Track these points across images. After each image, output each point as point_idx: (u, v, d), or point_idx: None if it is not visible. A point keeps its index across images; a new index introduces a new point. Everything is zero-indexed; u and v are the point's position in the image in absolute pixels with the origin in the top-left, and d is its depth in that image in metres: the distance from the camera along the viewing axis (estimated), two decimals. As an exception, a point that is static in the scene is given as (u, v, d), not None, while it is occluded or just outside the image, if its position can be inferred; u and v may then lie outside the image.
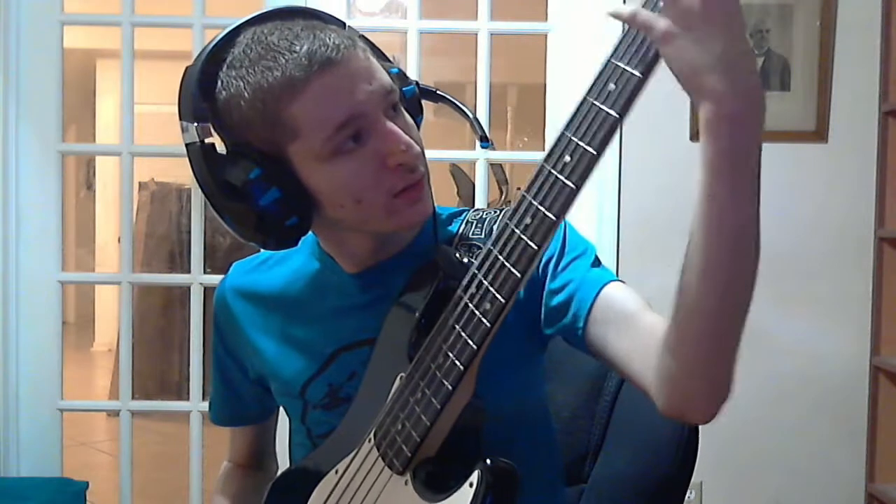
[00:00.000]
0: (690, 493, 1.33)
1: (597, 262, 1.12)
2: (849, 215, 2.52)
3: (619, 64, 0.87)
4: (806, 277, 2.51)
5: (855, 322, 2.52)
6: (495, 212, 1.19)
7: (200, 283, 2.55)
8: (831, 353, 2.53)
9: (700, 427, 1.28)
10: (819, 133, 2.48)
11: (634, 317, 1.03)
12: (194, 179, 1.08)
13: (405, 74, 1.13)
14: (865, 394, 2.53)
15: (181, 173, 4.94)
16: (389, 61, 1.13)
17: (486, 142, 1.14)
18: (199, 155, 1.05)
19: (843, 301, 2.53)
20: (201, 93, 1.06)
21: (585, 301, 1.06)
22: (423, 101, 1.16)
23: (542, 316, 1.11)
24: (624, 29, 0.89)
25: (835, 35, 2.47)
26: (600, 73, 0.89)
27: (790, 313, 2.49)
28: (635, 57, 0.86)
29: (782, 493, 2.53)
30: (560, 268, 1.10)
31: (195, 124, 1.05)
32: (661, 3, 0.83)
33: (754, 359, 2.48)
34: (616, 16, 0.87)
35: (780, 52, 2.48)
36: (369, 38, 1.13)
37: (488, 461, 0.98)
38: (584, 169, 0.89)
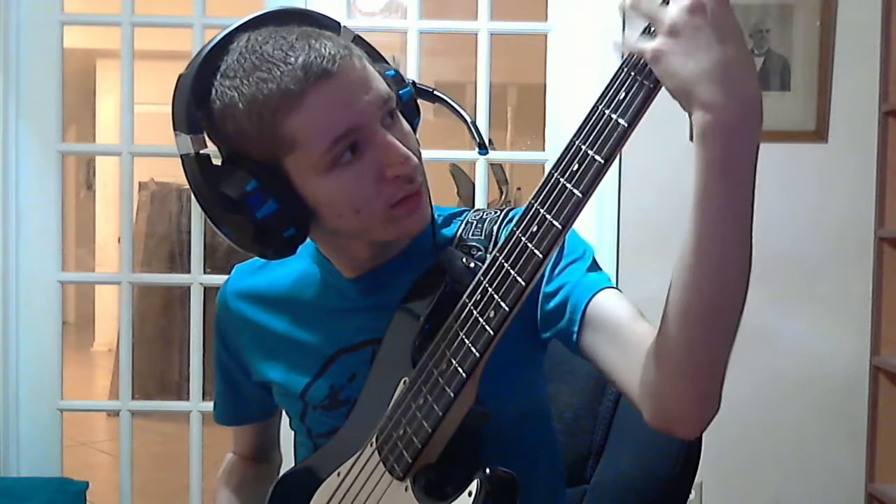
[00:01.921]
0: (691, 493, 1.32)
1: (594, 266, 1.10)
2: (849, 215, 2.52)
3: (631, 73, 0.87)
4: (806, 277, 2.51)
5: (855, 322, 2.52)
6: (495, 212, 1.18)
7: (200, 283, 2.55)
8: (831, 353, 2.53)
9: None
10: (819, 133, 2.48)
11: (624, 326, 1.02)
12: (190, 190, 1.07)
13: (402, 76, 1.12)
14: (865, 394, 2.53)
15: (181, 173, 4.93)
16: (386, 62, 1.12)
17: (484, 149, 1.13)
18: (195, 166, 1.04)
19: (843, 301, 2.53)
20: (195, 102, 1.05)
21: (579, 306, 1.05)
22: (422, 102, 1.15)
23: (539, 319, 1.10)
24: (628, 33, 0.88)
25: (835, 35, 2.47)
26: (612, 82, 0.88)
27: (790, 313, 2.49)
28: (647, 66, 0.85)
29: (782, 493, 2.53)
30: (557, 271, 1.09)
31: (189, 135, 1.04)
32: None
33: (754, 359, 2.51)
34: (616, 49, 0.88)
35: (780, 52, 2.48)
36: (368, 37, 1.13)
37: (487, 470, 0.97)
38: (591, 178, 0.88)
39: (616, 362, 1.02)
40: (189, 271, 2.59)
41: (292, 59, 1.01)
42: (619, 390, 1.04)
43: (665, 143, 2.34)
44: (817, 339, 2.52)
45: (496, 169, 4.60)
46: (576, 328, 1.05)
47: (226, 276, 1.32)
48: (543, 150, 2.59)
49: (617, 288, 1.08)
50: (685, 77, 0.82)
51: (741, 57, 0.83)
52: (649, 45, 0.83)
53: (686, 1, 0.81)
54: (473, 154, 2.72)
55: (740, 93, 0.82)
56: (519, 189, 5.58)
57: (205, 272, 2.57)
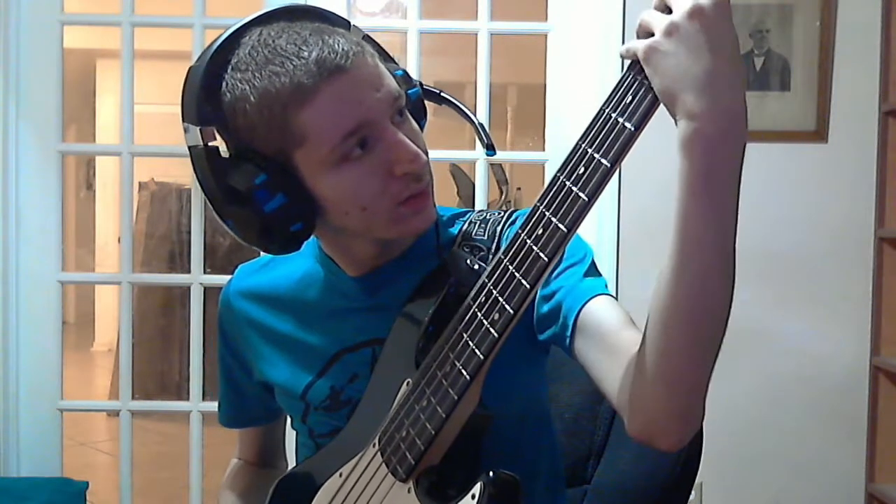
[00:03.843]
0: (692, 493, 1.32)
1: (591, 270, 1.09)
2: (849, 215, 2.52)
3: (638, 77, 0.87)
4: (806, 277, 2.51)
5: (855, 322, 2.52)
6: (499, 213, 1.18)
7: (200, 283, 2.55)
8: (831, 353, 2.53)
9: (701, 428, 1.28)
10: (819, 133, 2.48)
11: (613, 333, 1.01)
12: (196, 182, 1.06)
13: (409, 76, 1.12)
14: (865, 394, 2.53)
15: (181, 173, 4.95)
16: (394, 62, 1.12)
17: (491, 150, 1.13)
18: (203, 158, 1.04)
19: (843, 301, 2.52)
20: (205, 94, 1.04)
21: (571, 312, 1.05)
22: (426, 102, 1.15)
23: (535, 322, 1.10)
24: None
25: (835, 35, 2.47)
26: (618, 85, 0.88)
27: (790, 313, 2.49)
28: None
29: (782, 493, 2.53)
30: (554, 274, 1.08)
31: (198, 127, 1.03)
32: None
33: (754, 359, 2.51)
34: (622, 54, 0.89)
35: (780, 52, 2.48)
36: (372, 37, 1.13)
37: (491, 473, 0.97)
38: (598, 181, 0.88)
39: (603, 370, 1.01)
40: (189, 271, 2.59)
41: (305, 54, 1.00)
42: (606, 398, 1.03)
43: (665, 143, 2.34)
44: (817, 339, 2.52)
45: (496, 169, 4.60)
46: (568, 333, 1.05)
47: (226, 276, 1.31)
48: (543, 150, 2.59)
49: (612, 294, 1.07)
50: (672, 78, 0.82)
51: (731, 69, 0.82)
52: (643, 43, 0.84)
53: (687, 5, 0.82)
54: (473, 154, 2.72)
55: (725, 105, 0.82)
56: (519, 189, 5.58)
57: (205, 272, 2.57)
